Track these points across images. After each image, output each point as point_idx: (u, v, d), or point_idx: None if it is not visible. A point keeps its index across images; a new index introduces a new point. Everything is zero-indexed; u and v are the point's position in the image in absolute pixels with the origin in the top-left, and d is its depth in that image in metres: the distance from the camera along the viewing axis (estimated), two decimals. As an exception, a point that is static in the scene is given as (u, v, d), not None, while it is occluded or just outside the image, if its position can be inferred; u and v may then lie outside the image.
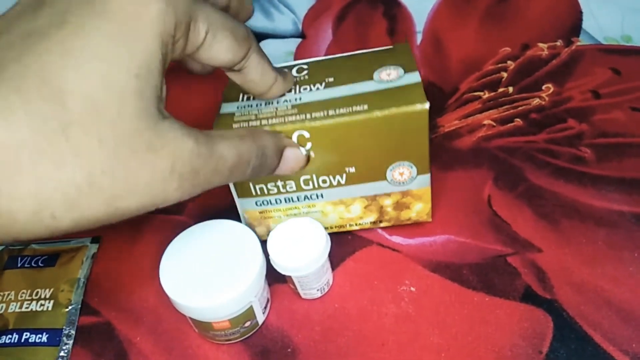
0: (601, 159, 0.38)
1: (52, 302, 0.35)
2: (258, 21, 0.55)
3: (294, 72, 0.34)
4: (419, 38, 0.50)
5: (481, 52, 0.48)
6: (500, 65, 0.46)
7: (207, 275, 0.30)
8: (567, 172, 0.38)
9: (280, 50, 0.52)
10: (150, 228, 0.39)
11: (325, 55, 0.44)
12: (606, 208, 0.36)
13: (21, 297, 0.35)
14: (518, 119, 0.42)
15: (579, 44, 0.47)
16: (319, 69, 0.34)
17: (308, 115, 0.30)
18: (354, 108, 0.30)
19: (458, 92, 0.45)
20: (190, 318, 0.31)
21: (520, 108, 0.43)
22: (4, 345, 0.33)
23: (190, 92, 0.48)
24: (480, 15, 0.51)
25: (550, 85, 0.44)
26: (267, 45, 0.52)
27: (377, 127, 0.30)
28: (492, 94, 0.44)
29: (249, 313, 0.31)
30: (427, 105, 0.29)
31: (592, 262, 0.33)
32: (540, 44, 0.47)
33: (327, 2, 0.55)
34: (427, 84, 0.46)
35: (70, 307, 0.34)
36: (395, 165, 0.32)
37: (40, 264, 0.37)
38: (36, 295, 0.35)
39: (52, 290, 0.35)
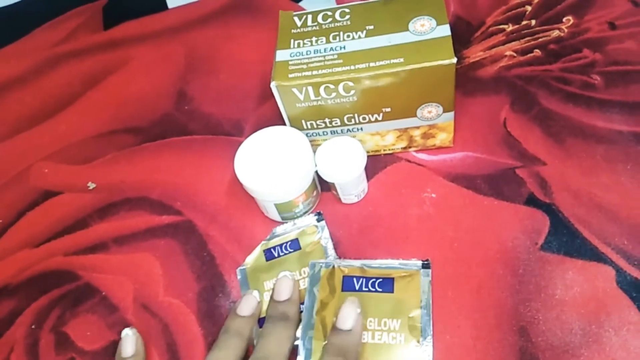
0: (609, 85, 0.43)
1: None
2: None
3: (337, 15, 0.40)
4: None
5: (509, -13, 0.51)
6: (525, -1, 0.50)
7: (277, 167, 0.37)
8: (576, 97, 0.43)
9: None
10: (216, 148, 0.47)
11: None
12: (608, 128, 0.41)
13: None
14: (537, 50, 0.46)
15: (603, -24, 0.50)
16: (359, 14, 0.39)
17: (352, 67, 0.36)
18: (392, 61, 0.36)
19: (484, 26, 0.49)
20: (276, 206, 0.38)
21: (540, 39, 0.47)
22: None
23: (247, 43, 0.55)
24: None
25: (570, 17, 0.48)
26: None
27: (411, 77, 0.36)
28: (516, 26, 0.48)
29: (313, 184, 0.39)
30: (454, 60, 0.35)
31: (589, 173, 0.39)
32: (566, -22, 0.50)
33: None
34: (456, 18, 0.50)
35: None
36: (424, 105, 0.38)
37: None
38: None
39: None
